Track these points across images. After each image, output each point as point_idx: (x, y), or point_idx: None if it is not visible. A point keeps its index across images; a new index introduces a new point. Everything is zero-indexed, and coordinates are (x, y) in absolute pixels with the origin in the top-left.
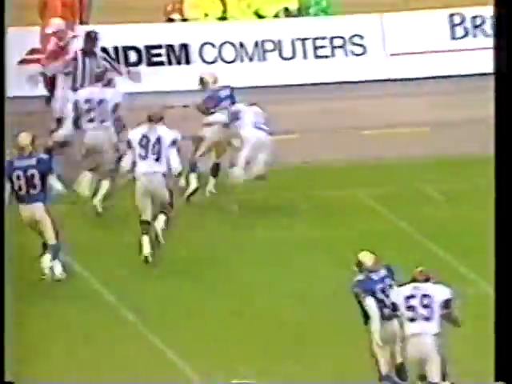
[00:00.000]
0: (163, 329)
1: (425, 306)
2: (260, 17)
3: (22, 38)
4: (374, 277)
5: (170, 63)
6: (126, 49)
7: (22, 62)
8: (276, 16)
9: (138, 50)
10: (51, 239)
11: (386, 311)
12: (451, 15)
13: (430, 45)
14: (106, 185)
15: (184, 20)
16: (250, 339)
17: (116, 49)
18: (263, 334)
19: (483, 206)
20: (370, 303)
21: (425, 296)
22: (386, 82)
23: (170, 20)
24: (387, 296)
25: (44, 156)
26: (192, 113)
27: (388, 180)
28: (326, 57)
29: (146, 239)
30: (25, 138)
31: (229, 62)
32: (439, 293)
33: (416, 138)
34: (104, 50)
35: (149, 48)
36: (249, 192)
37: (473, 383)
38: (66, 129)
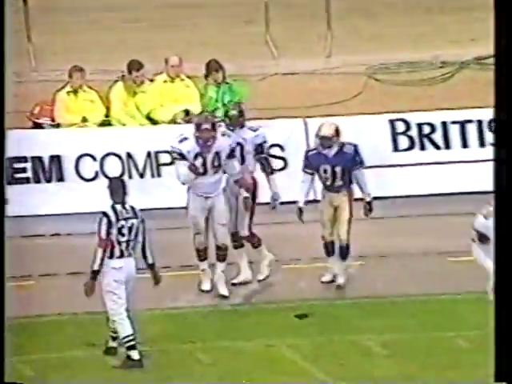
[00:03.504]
0: None
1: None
2: (153, 122)
3: None
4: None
5: (37, 180)
6: None
7: None
8: (173, 121)
9: None
10: None
11: None
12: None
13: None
14: None
15: (56, 126)
16: None
17: None
18: None
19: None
20: None
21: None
22: (315, 203)
23: (38, 126)
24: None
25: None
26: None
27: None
28: None
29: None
30: None
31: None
32: None
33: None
34: None
35: (10, 161)
36: None
37: (473, 383)
38: None
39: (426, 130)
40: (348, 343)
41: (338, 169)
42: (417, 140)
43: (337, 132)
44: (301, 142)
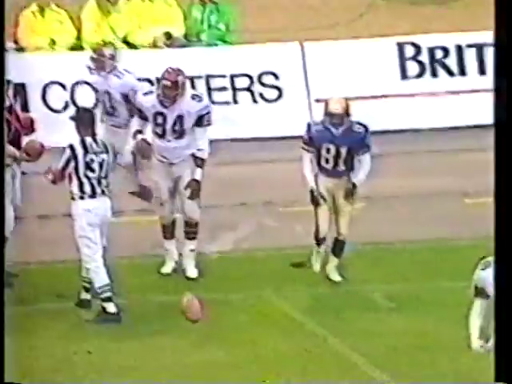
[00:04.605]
0: None
1: None
2: (130, 46)
3: None
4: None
5: None
6: None
7: None
8: (154, 45)
9: None
10: None
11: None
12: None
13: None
14: None
15: (20, 49)
16: None
17: None
18: None
19: None
20: None
21: None
22: None
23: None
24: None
25: None
26: None
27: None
28: (227, 103)
29: None
30: None
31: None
32: None
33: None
34: None
35: None
36: None
37: (473, 383)
38: None
39: (439, 54)
40: (349, 295)
41: (343, 150)
42: (428, 66)
43: (347, 108)
44: (297, 68)
